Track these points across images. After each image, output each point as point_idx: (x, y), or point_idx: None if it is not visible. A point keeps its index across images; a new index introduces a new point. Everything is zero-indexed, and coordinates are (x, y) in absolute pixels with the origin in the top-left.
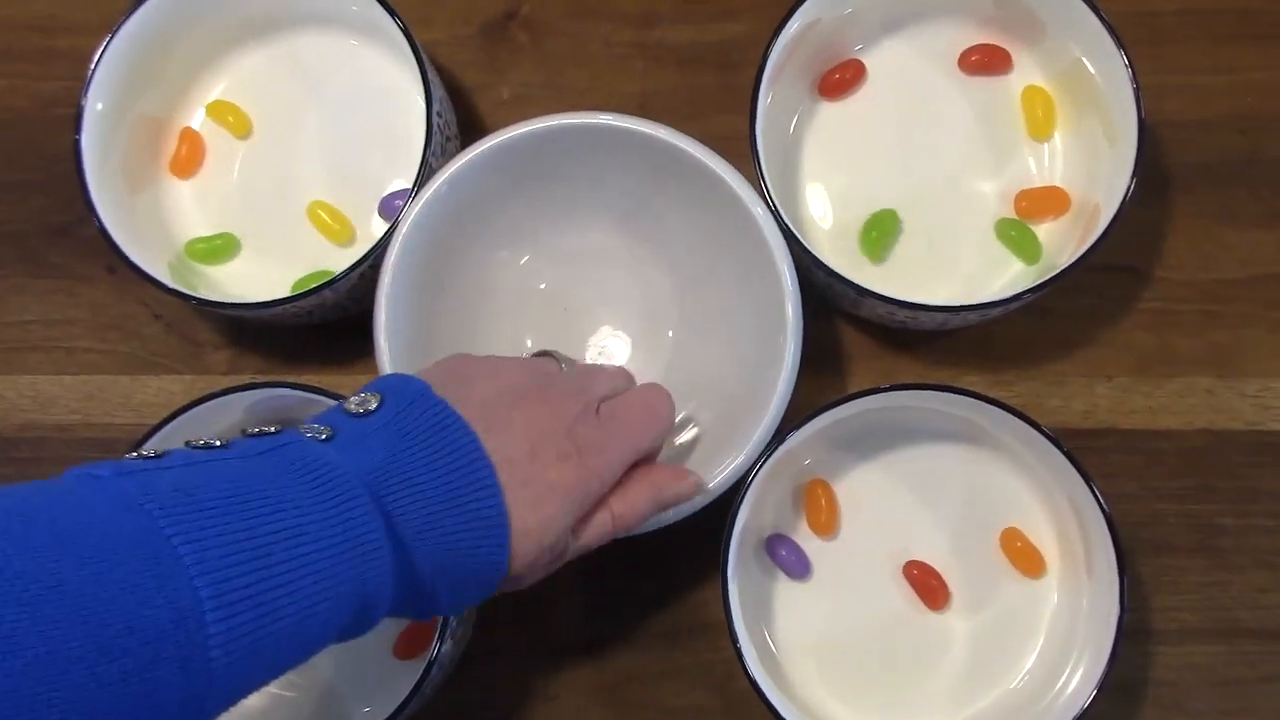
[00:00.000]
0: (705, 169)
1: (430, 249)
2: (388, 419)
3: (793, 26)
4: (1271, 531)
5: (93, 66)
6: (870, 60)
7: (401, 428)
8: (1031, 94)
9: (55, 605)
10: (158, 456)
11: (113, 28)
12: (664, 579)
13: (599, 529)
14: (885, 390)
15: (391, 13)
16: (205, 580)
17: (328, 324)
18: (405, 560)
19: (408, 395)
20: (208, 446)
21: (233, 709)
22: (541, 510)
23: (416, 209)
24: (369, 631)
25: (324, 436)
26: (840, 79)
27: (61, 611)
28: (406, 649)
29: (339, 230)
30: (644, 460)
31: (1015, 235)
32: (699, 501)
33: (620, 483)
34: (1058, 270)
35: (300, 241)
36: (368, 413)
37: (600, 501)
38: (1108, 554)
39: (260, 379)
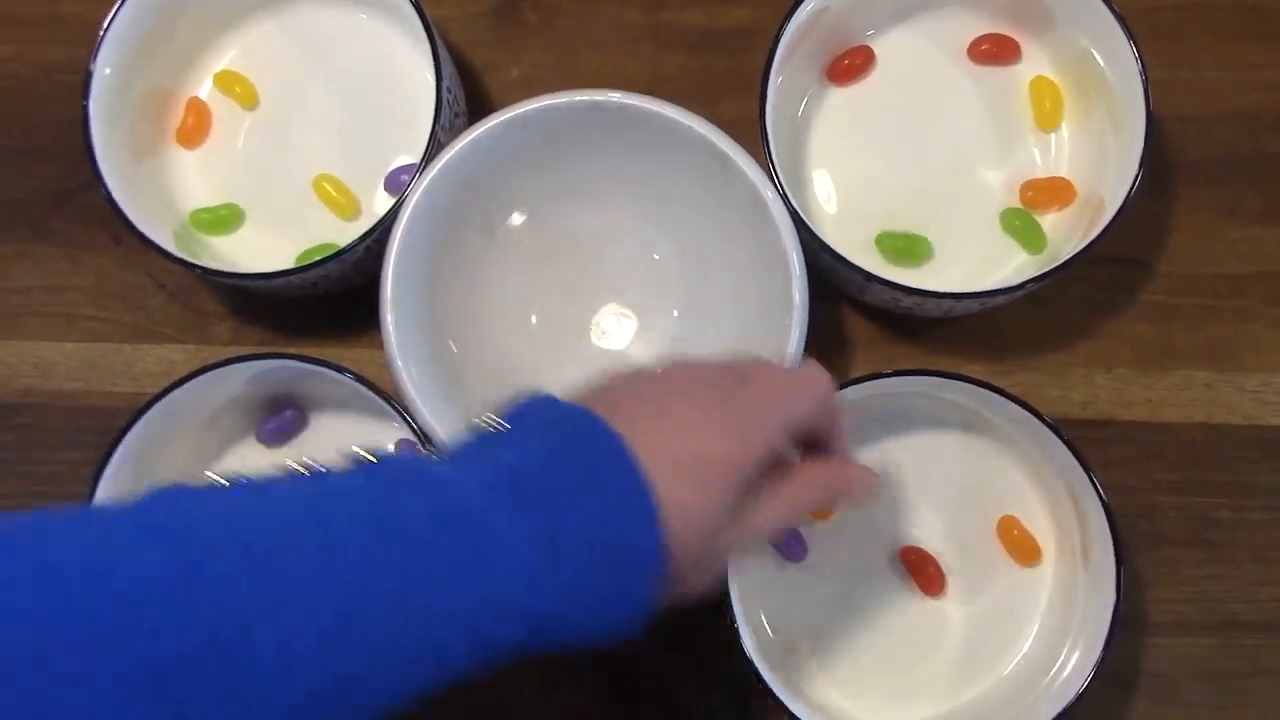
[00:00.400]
0: (716, 150)
1: (437, 224)
2: (505, 433)
3: (804, 11)
4: (1268, 526)
5: (102, 31)
6: (880, 47)
7: (519, 432)
8: (1039, 85)
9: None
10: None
11: None
12: None
13: (771, 513)
14: (887, 376)
15: None
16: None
17: (331, 296)
18: (540, 567)
19: (528, 408)
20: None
21: None
22: (696, 480)
23: (425, 183)
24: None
25: (433, 457)
26: (849, 65)
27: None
28: None
29: (344, 204)
30: (815, 449)
31: (1020, 225)
32: None
33: (787, 472)
34: (1061, 261)
35: (305, 215)
36: (484, 433)
37: (763, 485)
38: (1105, 544)
39: (263, 350)
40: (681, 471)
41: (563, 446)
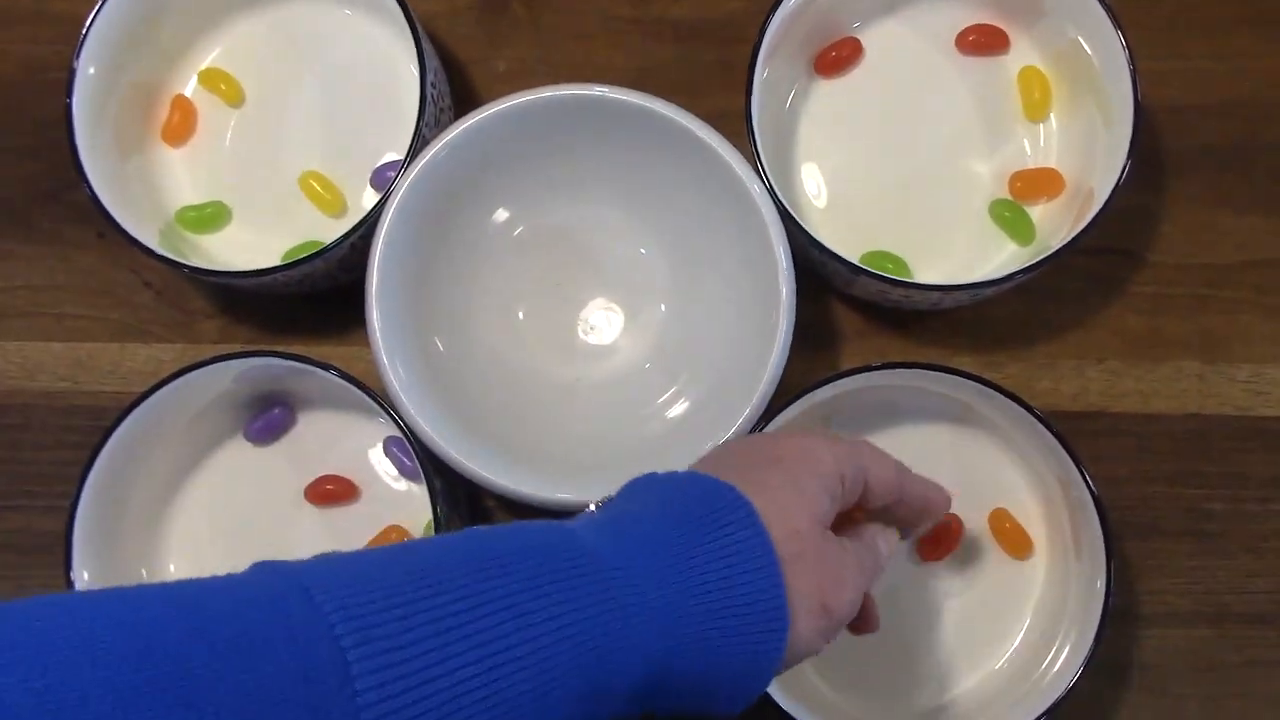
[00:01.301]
0: (702, 144)
1: (422, 220)
2: (618, 502)
3: (790, 2)
4: (1260, 517)
5: (85, 29)
6: (867, 38)
7: (632, 499)
8: (1028, 75)
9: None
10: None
11: None
12: None
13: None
14: (876, 369)
15: None
16: (340, 617)
17: (319, 294)
18: (657, 621)
19: (641, 479)
20: None
21: None
22: (788, 500)
23: (409, 180)
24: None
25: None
26: (837, 57)
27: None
28: None
29: (331, 201)
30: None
31: (1009, 216)
32: None
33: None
34: (1051, 252)
35: (292, 212)
36: (601, 506)
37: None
38: (1095, 536)
39: (250, 348)
40: (775, 497)
41: (675, 503)
